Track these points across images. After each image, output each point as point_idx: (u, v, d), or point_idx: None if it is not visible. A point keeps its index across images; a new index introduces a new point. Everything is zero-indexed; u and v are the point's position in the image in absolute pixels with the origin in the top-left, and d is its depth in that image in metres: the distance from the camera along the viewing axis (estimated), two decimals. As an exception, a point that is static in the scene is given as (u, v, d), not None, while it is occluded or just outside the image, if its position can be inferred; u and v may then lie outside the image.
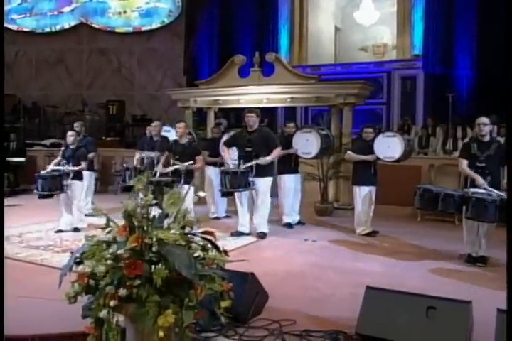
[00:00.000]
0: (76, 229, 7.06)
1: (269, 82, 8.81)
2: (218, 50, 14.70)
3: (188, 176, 6.75)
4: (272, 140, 6.71)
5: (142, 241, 2.69)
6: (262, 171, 6.50)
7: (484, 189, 5.12)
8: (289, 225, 7.37)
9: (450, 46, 12.21)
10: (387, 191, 7.34)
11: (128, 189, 6.93)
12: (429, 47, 12.40)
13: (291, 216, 7.46)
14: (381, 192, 7.00)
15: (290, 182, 7.41)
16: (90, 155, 7.94)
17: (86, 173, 7.63)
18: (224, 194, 6.82)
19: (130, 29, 16.40)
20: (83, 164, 7.20)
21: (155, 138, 7.72)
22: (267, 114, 10.60)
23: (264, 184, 6.56)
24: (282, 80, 8.71)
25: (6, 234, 6.67)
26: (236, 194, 6.69)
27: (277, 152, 6.70)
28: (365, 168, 6.88)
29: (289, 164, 7.45)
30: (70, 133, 7.33)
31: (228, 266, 3.02)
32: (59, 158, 7.34)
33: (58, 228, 7.10)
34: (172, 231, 2.82)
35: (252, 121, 6.62)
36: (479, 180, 5.24)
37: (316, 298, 4.26)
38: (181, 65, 15.22)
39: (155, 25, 16.23)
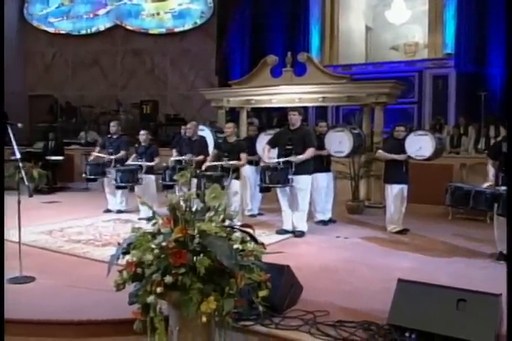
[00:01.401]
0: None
1: (301, 81, 8.89)
2: (250, 50, 14.77)
3: (235, 171, 6.97)
4: (308, 140, 6.75)
5: (186, 233, 2.87)
6: (301, 169, 6.56)
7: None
8: (323, 222, 7.50)
9: (482, 44, 12.04)
10: (419, 189, 7.36)
11: (169, 187, 7.26)
12: (462, 45, 12.26)
13: (324, 213, 7.58)
14: (412, 190, 7.04)
15: (323, 181, 7.50)
16: (121, 154, 8.42)
17: None
18: (262, 189, 6.97)
19: (163, 30, 16.63)
20: (157, 159, 7.90)
21: (193, 139, 7.91)
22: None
23: (303, 182, 6.61)
24: (314, 80, 8.78)
25: (48, 228, 7.02)
26: (278, 194, 6.81)
27: (310, 152, 6.69)
28: (397, 166, 6.94)
29: (322, 163, 7.53)
30: (142, 132, 8.03)
31: (264, 260, 3.16)
32: (134, 155, 8.06)
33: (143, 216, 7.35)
34: (213, 224, 2.99)
35: (294, 119, 6.74)
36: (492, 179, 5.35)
37: (348, 291, 4.38)
38: (213, 65, 15.35)
39: (187, 26, 16.41)
